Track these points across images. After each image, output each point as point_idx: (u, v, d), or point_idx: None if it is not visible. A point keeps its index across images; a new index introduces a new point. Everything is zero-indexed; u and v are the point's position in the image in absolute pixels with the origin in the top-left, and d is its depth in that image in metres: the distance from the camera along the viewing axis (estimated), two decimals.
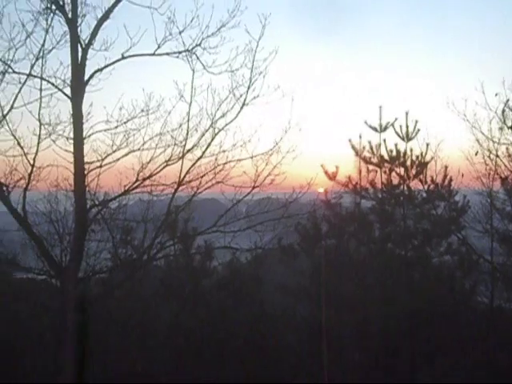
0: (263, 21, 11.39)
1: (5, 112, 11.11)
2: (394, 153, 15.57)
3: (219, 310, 17.06)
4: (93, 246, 13.71)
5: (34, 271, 13.83)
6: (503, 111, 14.62)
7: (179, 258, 16.00)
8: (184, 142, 12.06)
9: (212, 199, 15.70)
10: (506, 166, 15.08)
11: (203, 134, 12.09)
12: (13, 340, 14.76)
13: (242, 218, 12.65)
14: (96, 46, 10.96)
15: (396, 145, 15.62)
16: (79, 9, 10.62)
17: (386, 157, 15.59)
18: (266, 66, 11.70)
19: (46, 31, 10.89)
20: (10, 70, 10.99)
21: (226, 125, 12.09)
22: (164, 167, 12.08)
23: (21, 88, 11.07)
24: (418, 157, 15.50)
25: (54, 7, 10.59)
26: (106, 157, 11.72)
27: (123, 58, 11.21)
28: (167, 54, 11.37)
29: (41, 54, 10.96)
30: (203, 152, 12.14)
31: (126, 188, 12.07)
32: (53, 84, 11.11)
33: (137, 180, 12.00)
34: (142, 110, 11.76)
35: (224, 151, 12.21)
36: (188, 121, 11.99)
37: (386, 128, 15.59)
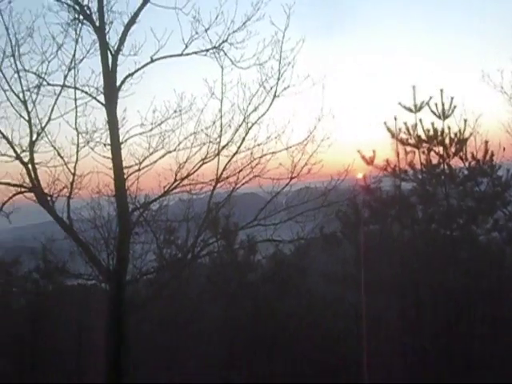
0: (287, 11, 11.29)
1: (43, 124, 11.36)
2: (432, 132, 15.29)
3: (266, 302, 17.15)
4: (138, 248, 13.93)
5: (83, 277, 14.15)
6: None
7: (223, 254, 16.14)
8: (218, 139, 12.07)
9: (251, 193, 15.71)
10: None
11: (237, 130, 12.08)
12: (67, 344, 15.18)
13: (282, 210, 12.57)
14: (125, 52, 11.07)
15: (433, 124, 15.35)
16: (106, 16, 10.75)
17: (424, 137, 15.32)
18: (293, 56, 11.61)
19: (76, 41, 11.07)
20: (44, 83, 11.23)
21: (259, 118, 12.04)
22: (201, 165, 12.12)
23: (56, 99, 11.29)
24: (456, 134, 15.19)
25: (81, 17, 10.75)
26: (143, 160, 11.83)
27: (152, 61, 11.31)
28: (195, 52, 11.40)
29: (72, 64, 11.15)
30: (238, 147, 12.12)
31: (166, 189, 12.16)
32: (86, 93, 11.29)
33: (175, 180, 12.08)
34: (175, 111, 11.83)
35: (259, 145, 12.16)
36: (221, 117, 11.99)
37: (421, 108, 15.32)
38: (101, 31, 10.73)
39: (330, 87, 12.26)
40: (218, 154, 12.11)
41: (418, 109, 15.36)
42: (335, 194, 13.14)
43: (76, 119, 11.44)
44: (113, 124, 11.28)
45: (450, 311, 14.95)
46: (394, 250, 15.44)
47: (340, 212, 15.59)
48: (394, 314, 14.92)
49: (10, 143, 11.31)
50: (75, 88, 11.27)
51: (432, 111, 15.31)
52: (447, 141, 15.18)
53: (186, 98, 11.86)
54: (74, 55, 11.12)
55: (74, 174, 11.55)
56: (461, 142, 15.12)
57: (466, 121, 15.09)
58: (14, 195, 11.56)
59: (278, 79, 11.80)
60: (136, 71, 11.24)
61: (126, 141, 11.59)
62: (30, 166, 11.40)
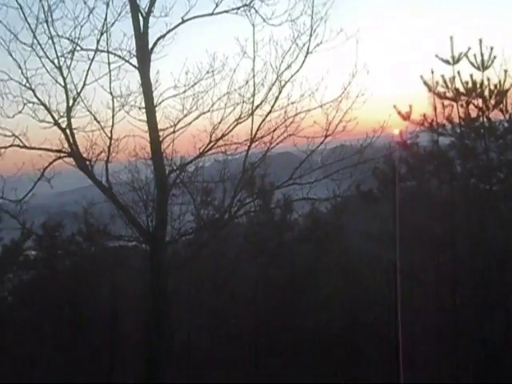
0: None
1: (79, 89, 11.51)
2: (470, 84, 14.86)
3: (304, 261, 17.30)
4: (176, 209, 14.13)
5: (124, 238, 14.49)
6: None
7: (260, 213, 16.26)
8: (252, 99, 12.02)
9: (286, 153, 15.69)
10: None
11: (270, 88, 12.00)
12: (112, 303, 15.67)
13: (318, 168, 12.53)
14: (156, 13, 11.06)
15: (471, 75, 14.90)
16: None
17: (462, 89, 14.91)
18: (326, 10, 11.36)
19: (107, 5, 11.08)
20: (78, 48, 11.33)
21: (292, 76, 11.92)
22: (235, 126, 12.14)
23: (90, 64, 11.39)
24: (496, 85, 14.73)
25: None
26: (178, 122, 11.92)
27: (183, 21, 11.26)
28: (226, 11, 11.29)
29: (104, 28, 11.19)
30: (272, 106, 12.06)
31: (201, 150, 12.25)
32: (119, 56, 11.35)
33: (210, 141, 12.15)
34: (208, 72, 11.81)
35: (293, 103, 12.07)
36: (253, 76, 11.92)
37: (458, 59, 14.87)
38: None
39: (364, 42, 12.01)
40: (252, 114, 12.09)
41: (455, 61, 14.91)
42: (371, 151, 13.01)
43: (110, 83, 11.55)
44: (146, 87, 11.37)
45: (489, 265, 14.81)
46: (432, 206, 15.27)
47: (376, 169, 15.45)
48: (432, 270, 14.86)
49: (48, 109, 11.53)
50: (108, 52, 11.34)
51: (470, 62, 14.85)
52: (486, 93, 14.75)
53: (218, 59, 11.82)
54: (105, 19, 11.15)
55: (110, 138, 11.73)
56: (501, 93, 14.68)
57: (506, 71, 14.61)
58: (54, 160, 11.83)
59: (311, 35, 11.62)
60: (167, 33, 11.23)
61: (160, 103, 11.69)
62: (68, 131, 11.62)
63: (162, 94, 11.63)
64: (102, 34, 11.23)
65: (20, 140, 11.54)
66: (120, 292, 15.96)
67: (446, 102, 15.10)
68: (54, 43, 11.24)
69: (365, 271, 17.15)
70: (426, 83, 15.15)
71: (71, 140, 11.65)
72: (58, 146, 11.76)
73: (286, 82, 11.97)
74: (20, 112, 11.48)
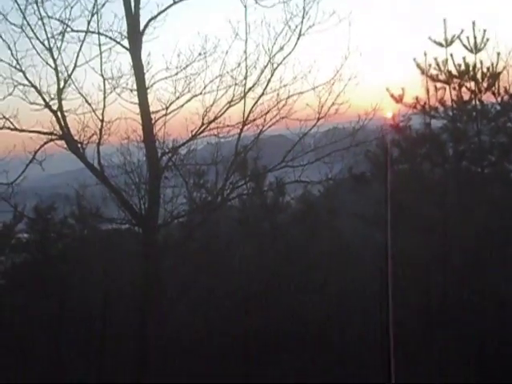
0: None
1: (69, 71, 11.43)
2: (463, 67, 14.85)
3: (297, 243, 17.37)
4: (168, 192, 14.11)
5: (116, 221, 14.48)
6: None
7: (252, 196, 16.29)
8: (244, 81, 11.99)
9: (279, 135, 15.68)
10: None
11: (262, 71, 11.97)
12: (105, 285, 15.71)
13: (310, 151, 12.55)
14: None
15: (464, 58, 14.90)
16: None
17: (455, 72, 14.91)
18: None
19: None
20: (68, 29, 11.23)
21: (284, 58, 11.89)
22: (227, 108, 12.12)
23: (81, 46, 11.31)
24: (488, 68, 14.73)
25: None
26: (170, 104, 11.88)
27: (175, 2, 11.18)
28: None
29: (95, 9, 11.10)
30: (264, 89, 12.04)
31: (193, 133, 12.24)
32: (110, 37, 11.28)
33: (202, 124, 12.13)
34: (200, 54, 11.76)
35: (285, 85, 12.05)
36: (246, 59, 11.88)
37: (451, 42, 14.85)
38: None
39: (357, 24, 11.98)
40: (244, 97, 12.07)
41: (448, 43, 14.89)
42: (363, 133, 13.03)
43: (101, 65, 11.49)
44: (138, 69, 11.31)
45: (481, 249, 14.93)
46: (424, 189, 15.33)
47: (369, 152, 15.46)
48: (423, 252, 14.97)
49: (39, 91, 11.45)
50: (99, 33, 11.26)
51: (463, 45, 14.84)
52: (479, 75, 14.75)
53: (210, 41, 11.77)
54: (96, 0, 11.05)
55: (102, 121, 11.70)
56: (493, 76, 14.69)
57: (498, 54, 14.62)
58: (46, 143, 11.79)
59: (303, 17, 11.57)
60: (159, 14, 11.15)
61: (152, 86, 11.64)
62: (59, 113, 11.56)
63: (153, 77, 11.59)
64: (92, 15, 11.15)
65: (11, 122, 11.48)
66: (113, 275, 16.00)
67: (439, 85, 15.10)
68: (44, 24, 11.16)
69: (357, 253, 17.25)
70: (418, 66, 15.14)
71: (62, 122, 11.60)
72: (49, 129, 11.72)
73: (278, 65, 11.95)
74: (10, 94, 11.41)
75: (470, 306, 14.32)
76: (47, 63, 11.40)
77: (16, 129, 11.62)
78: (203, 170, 15.29)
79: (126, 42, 11.20)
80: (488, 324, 13.81)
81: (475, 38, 14.70)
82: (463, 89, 15.02)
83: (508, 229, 14.55)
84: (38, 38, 11.22)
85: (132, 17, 11.03)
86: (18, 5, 10.98)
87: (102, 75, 11.55)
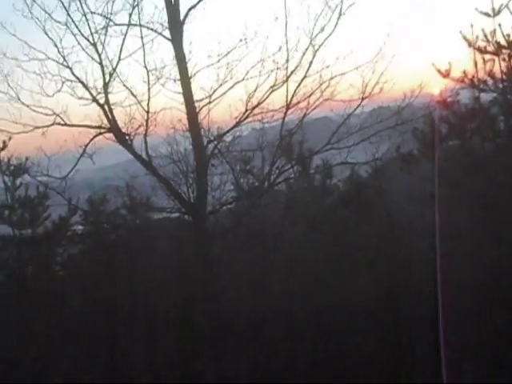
0: None
1: (114, 65, 11.69)
2: None
3: (346, 225, 17.24)
4: (216, 179, 14.29)
5: (166, 210, 14.76)
6: None
7: (299, 180, 16.23)
8: (286, 65, 12.02)
9: (323, 118, 15.60)
10: None
11: (304, 53, 11.96)
12: (158, 273, 16.04)
13: (356, 132, 12.49)
14: None
15: None
16: None
17: (503, 42, 14.37)
18: None
19: None
20: (111, 24, 11.47)
21: (325, 39, 11.85)
22: (270, 93, 12.19)
23: (124, 39, 11.56)
24: None
25: None
26: (213, 92, 12.02)
27: None
28: None
29: (136, 1, 11.29)
30: (306, 71, 12.04)
31: (237, 119, 12.37)
32: (152, 29, 11.46)
33: (246, 110, 12.25)
34: (240, 40, 11.85)
35: (327, 67, 12.02)
36: (286, 42, 11.89)
37: (499, 11, 14.30)
38: None
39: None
40: (287, 80, 12.09)
41: (496, 13, 14.35)
42: (410, 111, 12.84)
43: (144, 57, 11.70)
44: (180, 58, 11.46)
45: None
46: (475, 165, 14.94)
47: (416, 130, 15.14)
48: (475, 229, 14.63)
49: (86, 86, 11.77)
50: (140, 26, 11.48)
51: None
52: None
53: (250, 26, 11.80)
54: None
55: (147, 112, 11.94)
56: None
57: None
58: (95, 137, 12.15)
59: None
60: (198, 2, 11.25)
61: (194, 75, 11.80)
62: (106, 107, 11.86)
63: (196, 65, 11.73)
64: (133, 8, 11.37)
65: (61, 118, 11.87)
66: (164, 263, 16.31)
67: (487, 57, 14.57)
68: (87, 20, 11.45)
69: (408, 233, 16.99)
70: (465, 38, 14.65)
71: (110, 116, 11.89)
72: (97, 123, 12.04)
73: (319, 46, 11.91)
74: (59, 90, 11.77)
75: None
76: (92, 58, 11.70)
77: (66, 124, 11.99)
78: (249, 155, 15.34)
79: (167, 33, 11.37)
80: None
81: None
82: None
83: None
84: (82, 34, 11.52)
85: (172, 7, 11.16)
86: (62, 2, 11.29)
87: (146, 67, 11.79)
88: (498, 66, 14.60)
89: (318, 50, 11.92)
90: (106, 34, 11.59)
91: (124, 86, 11.93)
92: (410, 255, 16.29)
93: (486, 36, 14.52)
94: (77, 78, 11.75)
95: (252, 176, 15.89)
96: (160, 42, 11.66)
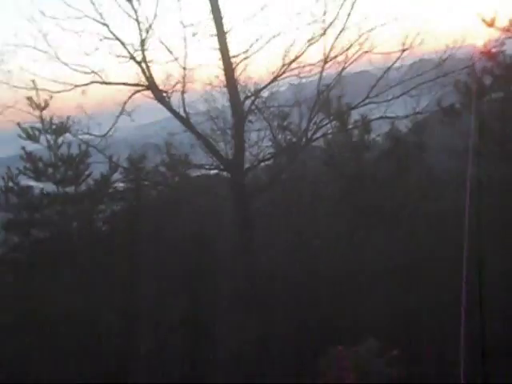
0: None
1: (150, 22, 11.64)
2: None
3: (386, 181, 17.05)
4: (253, 136, 14.26)
5: (205, 167, 14.85)
6: None
7: (337, 135, 16.05)
8: (323, 17, 11.75)
9: (362, 72, 15.28)
10: None
11: (342, 4, 11.64)
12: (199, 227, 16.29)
13: (395, 86, 12.22)
14: None
15: None
16: None
17: None
18: None
19: None
20: None
21: None
22: (308, 47, 11.99)
23: None
24: None
25: None
26: (250, 47, 11.89)
27: None
28: None
29: None
30: (344, 23, 11.76)
31: (274, 75, 12.24)
32: None
33: (283, 65, 12.10)
34: None
35: (366, 18, 11.69)
36: None
37: None
38: None
39: None
40: (324, 33, 11.86)
41: None
42: (452, 63, 12.44)
43: (180, 13, 11.60)
44: (216, 13, 11.34)
45: None
46: None
47: (458, 82, 14.70)
48: None
49: (123, 44, 11.82)
50: None
51: None
52: None
53: None
54: None
55: (184, 69, 11.93)
56: None
57: None
58: (133, 94, 12.23)
59: None
60: None
61: (231, 30, 11.66)
62: (143, 64, 11.90)
63: (231, 21, 11.58)
64: None
65: (99, 76, 11.95)
66: (204, 219, 16.51)
67: None
68: None
69: (449, 187, 16.72)
70: None
71: (147, 73, 11.93)
72: (135, 80, 12.10)
73: None
74: (97, 49, 11.83)
75: None
76: (129, 15, 11.68)
77: (104, 82, 12.09)
78: (286, 111, 15.21)
79: None
80: None
81: None
82: None
83: None
84: None
85: None
86: None
87: (182, 23, 11.70)
88: None
89: (355, 1, 11.60)
90: None
91: (161, 42, 11.90)
92: (448, 209, 16.07)
93: None
94: (114, 35, 11.80)
95: (289, 132, 15.80)
96: None
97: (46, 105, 13.70)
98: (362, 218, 16.94)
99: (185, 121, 12.35)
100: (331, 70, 12.45)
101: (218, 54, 11.75)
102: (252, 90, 12.40)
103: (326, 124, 13.88)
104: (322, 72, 12.24)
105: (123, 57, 11.97)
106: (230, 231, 14.17)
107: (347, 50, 11.96)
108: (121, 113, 12.34)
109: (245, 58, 12.00)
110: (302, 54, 12.01)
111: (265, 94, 12.92)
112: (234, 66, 11.85)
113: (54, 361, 14.44)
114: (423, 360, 13.76)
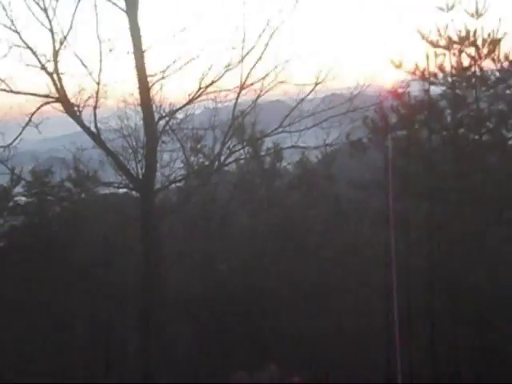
0: None
1: (65, 33, 11.32)
2: (464, 32, 14.64)
3: (294, 209, 17.41)
4: (166, 156, 14.14)
5: (114, 185, 14.51)
6: None
7: (249, 161, 16.26)
8: (242, 45, 11.92)
9: (276, 101, 15.62)
10: None
11: (260, 34, 11.88)
12: (104, 248, 15.84)
13: (308, 117, 12.58)
14: None
15: (465, 24, 14.68)
16: None
17: (455, 37, 14.69)
18: None
19: None
20: None
21: (283, 21, 11.79)
22: (225, 72, 12.08)
23: (76, 6, 11.19)
24: (489, 34, 14.51)
25: None
26: (167, 68, 11.83)
27: None
28: None
29: None
30: (262, 52, 11.98)
31: (190, 97, 12.22)
32: None
33: (199, 88, 12.11)
34: (197, 17, 11.65)
35: (283, 49, 11.99)
36: (244, 22, 11.79)
37: (452, 7, 14.60)
38: None
39: None
40: (242, 61, 12.00)
41: (450, 7, 14.64)
42: (362, 99, 12.99)
43: (97, 27, 11.37)
44: (135, 31, 11.21)
45: (479, 215, 14.98)
46: (422, 156, 15.29)
47: (366, 118, 15.36)
48: (421, 218, 15.03)
49: (34, 53, 11.37)
50: None
51: (465, 9, 14.59)
52: (479, 41, 14.51)
53: (207, 3, 11.64)
54: None
55: (98, 84, 11.64)
56: (494, 42, 14.45)
57: (500, 20, 14.38)
58: (42, 106, 11.76)
59: None
60: None
61: (148, 49, 11.55)
62: (55, 75, 11.50)
63: (150, 40, 11.50)
64: None
65: (6, 84, 11.42)
66: (110, 238, 16.09)
67: (439, 51, 14.88)
68: None
69: (353, 219, 17.31)
70: (419, 31, 14.91)
71: (58, 85, 11.54)
72: (45, 91, 11.66)
73: (276, 28, 11.85)
74: (5, 56, 11.32)
75: (469, 272, 14.42)
76: (42, 24, 11.30)
77: (12, 91, 11.57)
78: (200, 134, 15.25)
79: (122, 3, 11.07)
80: (488, 289, 13.93)
81: (476, 2, 14.46)
82: (463, 55, 14.82)
83: (505, 196, 14.57)
84: None
85: None
86: None
87: (98, 37, 11.48)
88: (449, 61, 14.94)
89: (274, 31, 11.90)
90: (57, 0, 11.20)
91: (75, 55, 11.59)
92: (355, 241, 16.62)
93: (438, 30, 14.81)
94: (25, 43, 11.33)
95: (202, 155, 15.82)
96: (115, 12, 11.37)
97: None
98: (269, 243, 17.17)
99: (95, 137, 12.03)
100: (247, 96, 12.66)
101: (135, 72, 11.58)
102: (167, 110, 12.31)
103: (239, 149, 14.03)
104: (237, 98, 12.41)
105: (34, 66, 11.53)
106: (137, 251, 13.87)
107: (263, 78, 12.19)
108: (27, 123, 11.84)
109: (161, 78, 11.92)
110: (219, 78, 12.11)
111: (180, 115, 12.88)
112: (150, 85, 11.73)
113: None
114: None
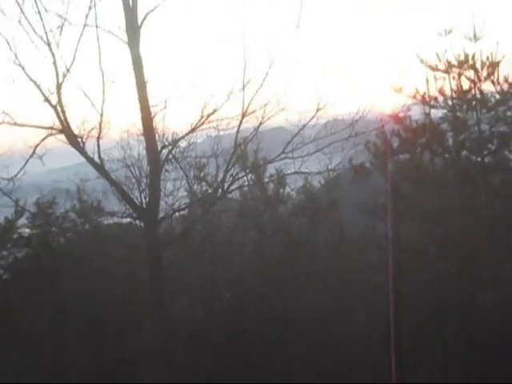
0: None
1: (68, 66, 11.44)
2: (462, 56, 14.82)
3: (298, 234, 17.39)
4: (169, 185, 14.18)
5: (118, 215, 14.52)
6: None
7: (253, 188, 16.30)
8: (243, 73, 12.03)
9: (278, 127, 15.71)
10: None
11: (261, 63, 12.00)
12: (106, 279, 15.78)
13: (310, 142, 12.63)
14: None
15: (463, 48, 14.87)
16: None
17: (454, 61, 14.88)
18: None
19: None
20: (66, 23, 11.24)
21: (283, 50, 11.92)
22: (226, 100, 12.18)
23: (79, 40, 11.32)
24: (487, 57, 14.69)
25: None
26: (169, 98, 11.92)
27: None
28: None
29: (92, 2, 11.11)
30: (263, 81, 12.09)
31: (193, 126, 12.30)
32: (108, 31, 11.29)
33: (202, 117, 12.19)
34: (198, 46, 11.79)
35: (284, 77, 12.10)
36: (244, 51, 11.91)
37: (451, 31, 14.81)
38: None
39: (359, 14, 11.99)
40: (243, 89, 12.10)
41: (448, 32, 14.85)
42: (363, 124, 13.06)
43: (100, 59, 11.49)
44: (137, 62, 11.33)
45: (483, 237, 14.93)
46: (424, 179, 15.32)
47: (368, 143, 15.44)
48: (425, 242, 14.98)
49: (38, 86, 11.48)
50: (97, 27, 11.27)
51: (463, 34, 14.80)
52: (478, 64, 14.70)
53: (208, 32, 11.79)
54: None
55: (101, 115, 11.72)
56: (492, 64, 14.63)
57: (498, 43, 14.57)
58: (45, 138, 11.82)
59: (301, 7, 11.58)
60: (156, 7, 11.15)
61: (150, 79, 11.66)
62: (58, 108, 11.58)
63: (152, 70, 11.62)
64: (90, 9, 11.16)
65: (10, 117, 11.50)
66: (115, 269, 16.05)
67: (439, 75, 15.06)
68: (41, 18, 11.17)
69: (358, 244, 17.24)
70: (418, 56, 15.11)
71: (62, 117, 11.62)
72: (48, 123, 11.74)
73: (276, 56, 11.97)
74: (9, 90, 11.44)
75: (473, 296, 14.34)
76: (45, 57, 11.43)
77: (16, 123, 11.66)
78: (203, 162, 15.32)
79: (124, 36, 11.22)
80: (490, 314, 13.84)
81: (474, 27, 14.67)
82: (462, 78, 14.98)
83: (509, 217, 14.55)
84: (36, 33, 11.23)
85: (129, 10, 11.04)
86: None
87: (101, 69, 11.58)
88: (449, 84, 15.10)
89: (274, 60, 12.01)
90: (60, 34, 11.34)
91: (78, 87, 11.69)
92: (360, 266, 16.54)
93: (437, 54, 15.01)
94: (29, 77, 11.45)
95: (205, 183, 15.87)
96: (117, 45, 11.50)
97: None
98: (273, 269, 17.10)
99: (99, 167, 12.07)
100: (249, 124, 12.72)
101: (137, 103, 11.68)
102: (170, 139, 12.39)
103: (242, 177, 14.07)
104: (239, 126, 12.46)
105: (37, 99, 11.64)
106: (141, 282, 13.81)
107: (265, 106, 12.28)
108: (31, 156, 11.89)
109: (163, 108, 12.01)
110: (221, 107, 12.20)
111: (182, 144, 12.95)
112: (152, 114, 11.82)
113: None
114: None
